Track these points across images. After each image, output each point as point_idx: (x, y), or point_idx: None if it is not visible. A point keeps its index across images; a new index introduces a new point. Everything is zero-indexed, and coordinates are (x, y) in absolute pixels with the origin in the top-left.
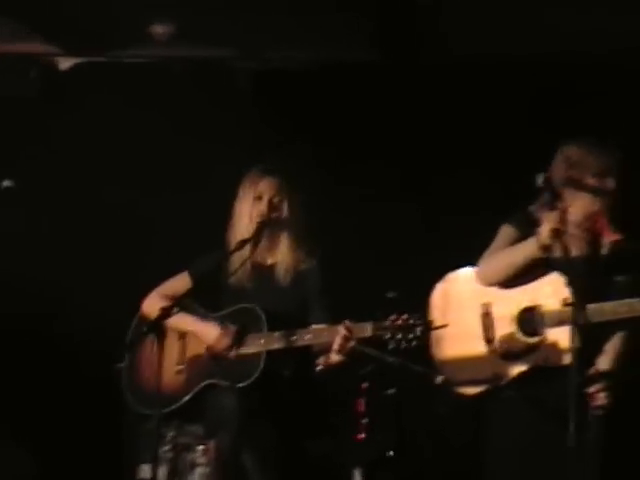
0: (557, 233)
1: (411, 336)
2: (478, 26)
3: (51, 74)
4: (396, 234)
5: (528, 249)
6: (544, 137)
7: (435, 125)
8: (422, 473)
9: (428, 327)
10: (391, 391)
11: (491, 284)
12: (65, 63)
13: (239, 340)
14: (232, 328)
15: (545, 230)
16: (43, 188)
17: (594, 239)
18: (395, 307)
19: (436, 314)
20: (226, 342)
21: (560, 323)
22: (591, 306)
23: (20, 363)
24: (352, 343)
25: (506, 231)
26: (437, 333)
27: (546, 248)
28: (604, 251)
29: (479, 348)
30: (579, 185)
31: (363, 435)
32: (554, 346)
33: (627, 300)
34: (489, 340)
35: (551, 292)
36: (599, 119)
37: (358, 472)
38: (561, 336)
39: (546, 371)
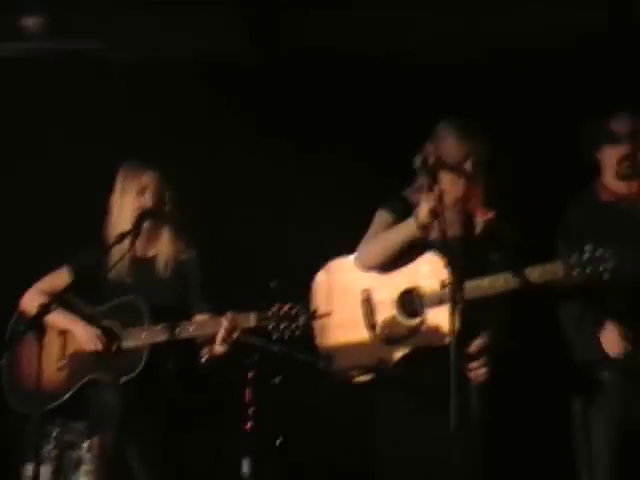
0: (435, 213)
1: (294, 325)
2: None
3: None
4: (277, 223)
5: (407, 229)
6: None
7: (304, 117)
8: (310, 461)
9: (311, 316)
10: (277, 380)
11: (370, 268)
12: None
13: (115, 339)
14: (108, 328)
15: (423, 210)
16: None
17: (468, 219)
18: (278, 297)
19: (319, 303)
20: (99, 345)
21: (440, 303)
22: (468, 283)
23: None
24: (236, 334)
25: (382, 215)
26: (321, 322)
27: (425, 227)
28: (478, 230)
29: (362, 335)
30: (446, 166)
31: (250, 424)
32: (435, 326)
33: (503, 274)
34: (371, 326)
35: (429, 272)
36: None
37: (246, 462)
38: (441, 316)
39: (429, 353)
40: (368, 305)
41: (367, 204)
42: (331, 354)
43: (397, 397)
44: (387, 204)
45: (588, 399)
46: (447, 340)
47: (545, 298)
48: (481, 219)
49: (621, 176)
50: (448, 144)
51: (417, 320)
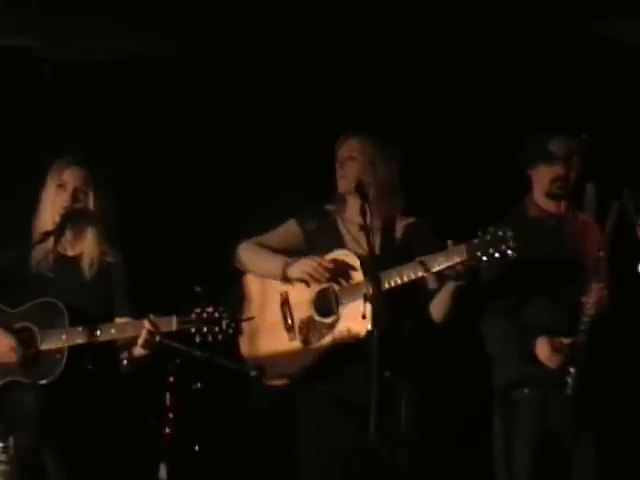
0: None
1: (217, 329)
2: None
3: None
4: (206, 226)
5: (273, 268)
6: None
7: (245, 117)
8: (230, 467)
9: (234, 320)
10: (198, 385)
11: (240, 268)
12: None
13: (32, 344)
14: (28, 328)
15: (296, 271)
16: None
17: (389, 225)
18: (202, 301)
19: (248, 307)
20: (15, 356)
21: (354, 298)
22: (381, 273)
23: None
24: (157, 337)
25: (289, 225)
26: (245, 330)
27: (286, 280)
28: (398, 235)
29: (282, 338)
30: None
31: (169, 430)
32: (349, 321)
33: (411, 262)
34: (289, 328)
35: (343, 269)
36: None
37: (164, 467)
38: (355, 311)
39: (345, 352)
40: (286, 307)
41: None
42: (261, 363)
43: (317, 406)
44: (302, 215)
45: (508, 418)
46: (361, 334)
47: (467, 318)
48: (401, 224)
49: (552, 195)
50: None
51: (332, 318)
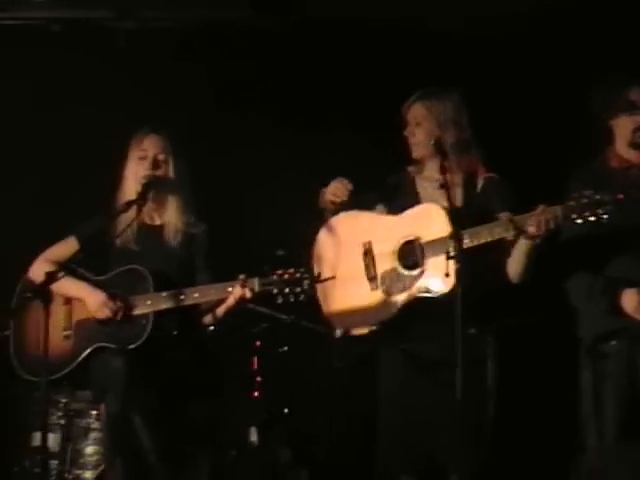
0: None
1: (298, 289)
2: None
3: None
4: (288, 192)
5: None
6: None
7: (309, 79)
8: (317, 429)
9: (315, 279)
10: (284, 349)
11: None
12: None
13: (125, 306)
14: (117, 295)
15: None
16: None
17: (469, 179)
18: (284, 264)
19: (323, 261)
20: (108, 311)
21: (439, 252)
22: (467, 230)
23: None
24: (249, 294)
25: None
26: (324, 286)
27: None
28: (478, 189)
29: (363, 288)
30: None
31: (257, 393)
32: (433, 276)
33: (501, 220)
34: (371, 278)
35: (429, 223)
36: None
37: (254, 430)
38: (440, 265)
39: (427, 307)
40: (369, 258)
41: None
42: (334, 313)
43: (398, 362)
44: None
45: (596, 370)
46: (445, 289)
47: (551, 271)
48: (481, 177)
49: (636, 145)
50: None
51: (417, 271)
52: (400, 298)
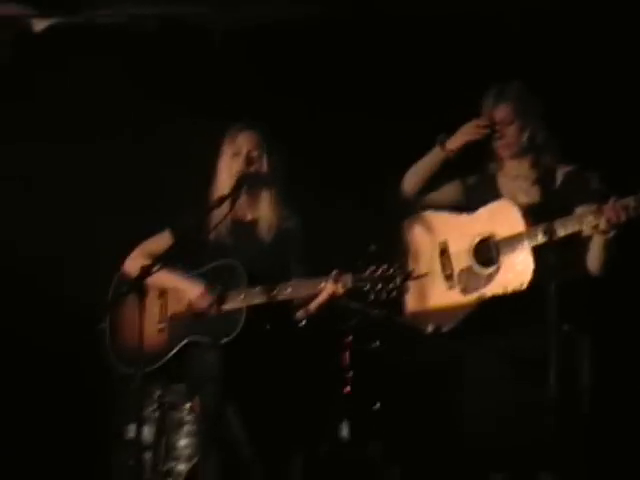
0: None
1: (391, 286)
2: None
3: (24, 37)
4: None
5: (432, 156)
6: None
7: (404, 72)
8: (409, 425)
9: (407, 276)
10: (375, 344)
11: (409, 192)
12: (38, 25)
13: (221, 297)
14: (214, 285)
15: (457, 139)
16: (20, 152)
17: (547, 173)
18: (377, 260)
19: (416, 260)
20: (208, 299)
21: (514, 248)
22: (540, 225)
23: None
24: (341, 290)
25: (453, 182)
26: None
27: (451, 151)
28: (558, 183)
29: (441, 287)
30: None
31: (349, 388)
32: (510, 272)
33: (573, 216)
34: (448, 277)
35: (503, 219)
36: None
37: (346, 425)
38: (516, 261)
39: (506, 303)
40: (446, 256)
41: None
42: (414, 311)
43: (485, 359)
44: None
45: None
46: (522, 285)
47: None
48: (562, 171)
49: None
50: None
51: (493, 268)
52: (477, 296)
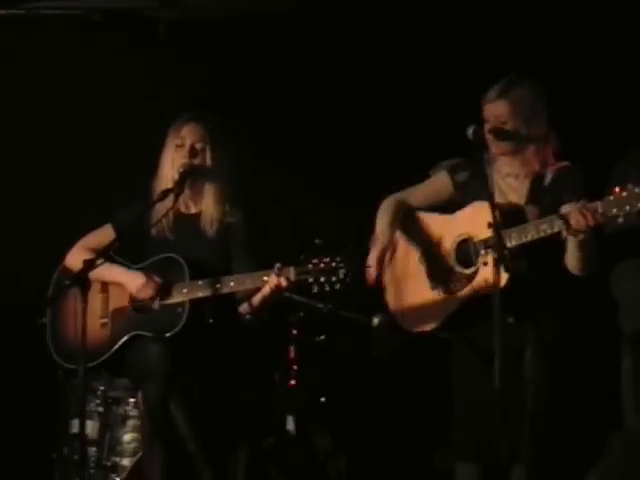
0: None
1: (334, 279)
2: None
3: None
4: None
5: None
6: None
7: (360, 75)
8: (355, 418)
9: (351, 269)
10: (322, 337)
11: None
12: None
13: (164, 290)
14: (156, 278)
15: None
16: None
17: (537, 172)
18: (321, 253)
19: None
20: (150, 292)
21: (490, 249)
22: (515, 228)
23: None
24: (284, 283)
25: (441, 179)
26: (388, 278)
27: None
28: (547, 180)
29: (424, 287)
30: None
31: (294, 382)
32: (488, 274)
33: (549, 216)
34: (430, 277)
35: (482, 221)
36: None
37: (291, 418)
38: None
39: (485, 301)
40: (429, 257)
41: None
42: (397, 309)
43: (461, 353)
44: (453, 165)
45: (638, 362)
46: (500, 284)
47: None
48: (551, 170)
49: None
50: (486, 112)
51: (472, 269)
52: (458, 296)
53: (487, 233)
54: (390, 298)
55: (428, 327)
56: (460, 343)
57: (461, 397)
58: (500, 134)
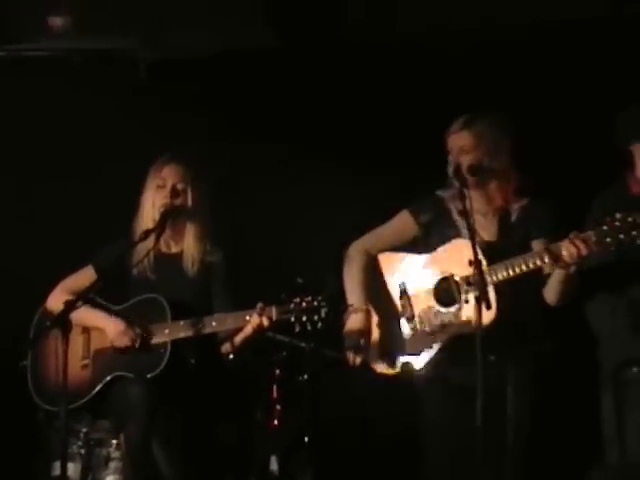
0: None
1: (316, 318)
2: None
3: None
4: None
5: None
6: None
7: (336, 109)
8: (338, 458)
9: (333, 309)
10: (304, 377)
11: None
12: None
13: (143, 335)
14: (137, 330)
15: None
16: None
17: (502, 209)
18: (302, 292)
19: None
20: (128, 341)
21: (473, 287)
22: (500, 263)
23: None
24: (266, 323)
25: (403, 217)
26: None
27: None
28: (513, 218)
29: (403, 328)
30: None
31: (277, 422)
32: (472, 309)
33: (534, 252)
34: (409, 318)
35: (462, 259)
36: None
37: (274, 458)
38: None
39: (468, 340)
40: (405, 297)
41: (391, 202)
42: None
43: (438, 390)
44: (415, 206)
45: (618, 396)
46: (484, 322)
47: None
48: (516, 206)
49: None
50: (450, 144)
51: (454, 308)
52: (440, 336)
53: (467, 270)
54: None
55: (416, 366)
56: (436, 384)
57: (440, 436)
58: (475, 169)
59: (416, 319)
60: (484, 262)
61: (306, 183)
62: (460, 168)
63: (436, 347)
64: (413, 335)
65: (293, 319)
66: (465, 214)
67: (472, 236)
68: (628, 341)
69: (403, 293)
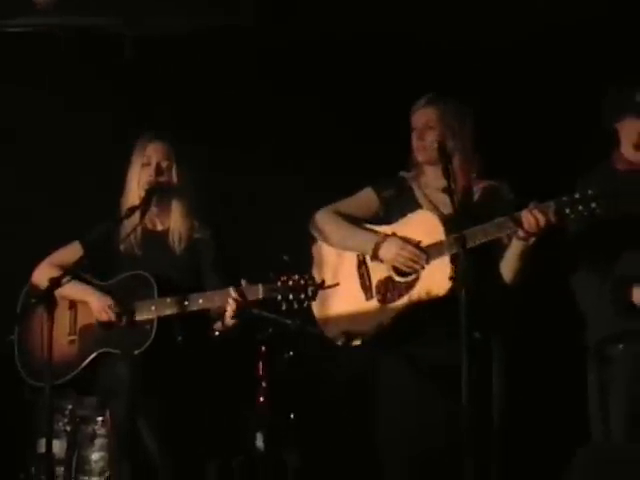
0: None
1: (302, 296)
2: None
3: None
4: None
5: (361, 246)
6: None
7: (312, 91)
8: (324, 434)
9: (319, 286)
10: (290, 354)
11: (318, 237)
12: None
13: (127, 311)
14: (121, 299)
15: (388, 252)
16: None
17: (463, 187)
18: (289, 269)
19: (323, 270)
20: (114, 314)
21: (435, 257)
22: (465, 231)
23: None
24: (247, 306)
25: (366, 193)
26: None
27: (375, 258)
28: (476, 197)
29: (359, 297)
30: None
31: (263, 399)
32: (430, 280)
33: (495, 220)
34: (366, 288)
35: (424, 230)
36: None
37: (260, 435)
38: (435, 269)
39: (424, 312)
40: (363, 268)
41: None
42: (329, 322)
43: (397, 368)
44: (378, 183)
45: (603, 373)
46: (441, 292)
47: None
48: (478, 187)
49: None
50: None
51: (412, 277)
52: (396, 305)
53: (427, 241)
54: (318, 311)
55: (363, 337)
56: (394, 359)
57: (402, 413)
58: (444, 146)
59: (373, 289)
60: (443, 233)
61: (286, 157)
62: (444, 146)
63: (392, 317)
64: (370, 305)
65: (280, 297)
66: (450, 190)
67: (455, 211)
68: (614, 317)
69: (362, 263)
